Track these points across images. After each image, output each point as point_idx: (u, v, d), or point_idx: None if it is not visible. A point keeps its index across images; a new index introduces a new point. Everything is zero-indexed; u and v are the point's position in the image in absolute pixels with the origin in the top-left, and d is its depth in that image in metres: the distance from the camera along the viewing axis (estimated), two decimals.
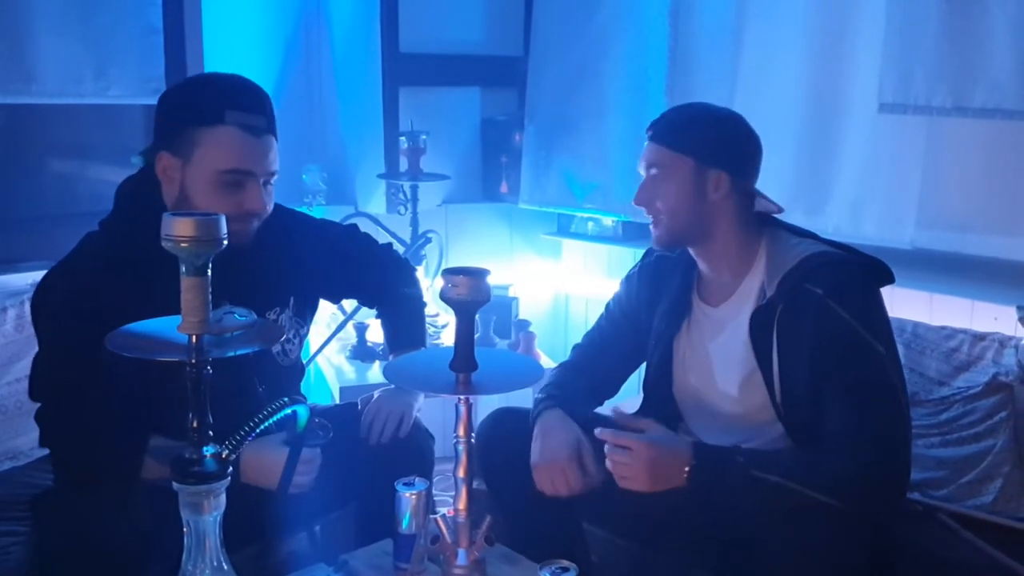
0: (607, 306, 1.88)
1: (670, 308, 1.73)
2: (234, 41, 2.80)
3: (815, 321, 1.49)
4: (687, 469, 1.46)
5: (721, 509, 1.52)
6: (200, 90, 1.57)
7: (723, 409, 1.66)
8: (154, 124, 1.56)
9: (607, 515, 1.75)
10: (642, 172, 1.66)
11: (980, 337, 2.02)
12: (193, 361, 0.97)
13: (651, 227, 1.66)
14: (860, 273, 1.54)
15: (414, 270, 2.03)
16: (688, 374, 1.71)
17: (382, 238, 2.36)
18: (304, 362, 1.88)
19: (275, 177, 1.58)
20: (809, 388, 1.51)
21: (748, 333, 1.57)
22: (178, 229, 0.94)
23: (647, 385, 1.80)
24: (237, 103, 1.50)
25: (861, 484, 1.44)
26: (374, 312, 1.99)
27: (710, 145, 1.60)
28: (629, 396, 2.66)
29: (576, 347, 1.90)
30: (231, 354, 0.99)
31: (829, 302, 1.48)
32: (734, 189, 1.60)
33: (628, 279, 1.85)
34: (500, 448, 1.69)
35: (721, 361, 1.64)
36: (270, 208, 1.59)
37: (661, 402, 1.76)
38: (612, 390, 1.88)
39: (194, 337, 0.98)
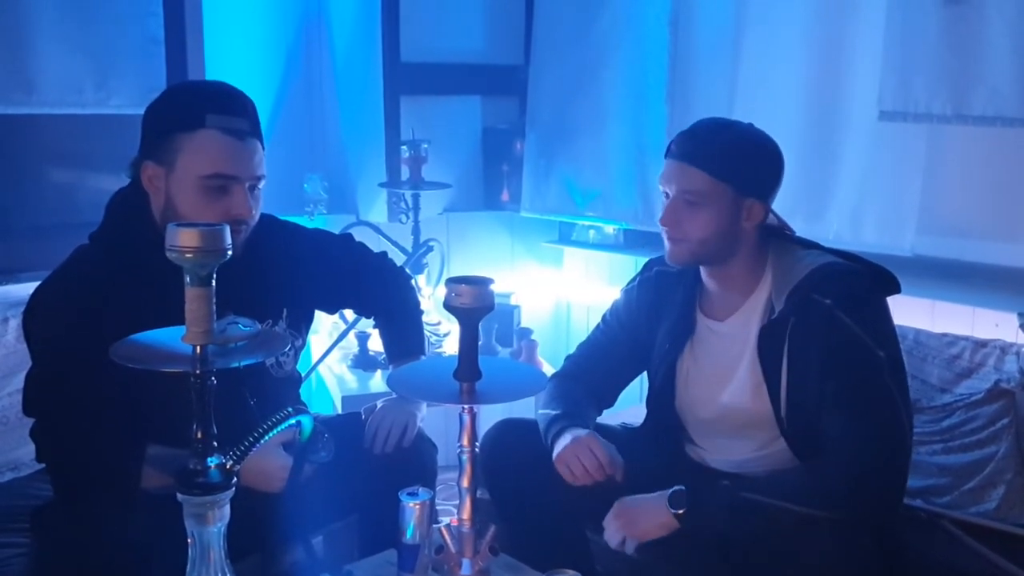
0: (604, 317, 1.87)
1: (674, 327, 1.71)
2: (235, 50, 2.81)
3: (824, 331, 1.49)
4: (677, 513, 1.49)
5: (722, 537, 1.52)
6: (180, 97, 1.55)
7: (728, 423, 1.66)
8: (140, 137, 1.54)
9: None
10: (668, 190, 1.60)
11: (981, 344, 2.02)
12: (198, 372, 0.97)
13: (668, 243, 1.61)
14: (867, 282, 1.54)
15: (410, 278, 2.03)
16: (692, 389, 1.70)
17: (384, 247, 2.37)
18: (301, 373, 1.88)
19: (262, 182, 1.55)
20: (816, 400, 1.52)
21: (756, 347, 1.57)
22: (183, 239, 0.94)
23: (650, 401, 1.80)
24: (217, 106, 1.48)
25: (852, 492, 1.45)
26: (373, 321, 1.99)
27: (751, 175, 1.57)
28: (631, 405, 2.67)
29: (569, 357, 1.90)
30: (235, 365, 0.99)
31: (836, 312, 1.49)
32: (762, 216, 1.59)
33: (627, 291, 1.83)
34: (504, 458, 1.69)
35: (728, 375, 1.64)
36: (257, 215, 1.56)
37: (664, 418, 1.76)
38: (609, 400, 1.88)
39: (198, 348, 0.97)
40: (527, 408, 2.71)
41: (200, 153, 1.47)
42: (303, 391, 2.01)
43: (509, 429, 1.76)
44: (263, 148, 1.55)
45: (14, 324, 2.07)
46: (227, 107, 1.49)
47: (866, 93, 2.24)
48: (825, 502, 1.45)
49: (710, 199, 1.55)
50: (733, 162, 1.55)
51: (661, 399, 1.74)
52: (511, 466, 1.68)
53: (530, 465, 1.65)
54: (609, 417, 2.45)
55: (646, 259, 1.87)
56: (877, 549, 1.48)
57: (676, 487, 1.52)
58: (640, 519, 1.54)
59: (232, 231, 1.47)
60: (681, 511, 1.50)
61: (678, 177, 1.57)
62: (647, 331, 1.77)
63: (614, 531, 1.55)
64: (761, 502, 1.47)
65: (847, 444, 1.47)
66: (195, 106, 1.48)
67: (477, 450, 1.23)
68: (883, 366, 1.48)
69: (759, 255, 1.62)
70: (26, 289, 1.56)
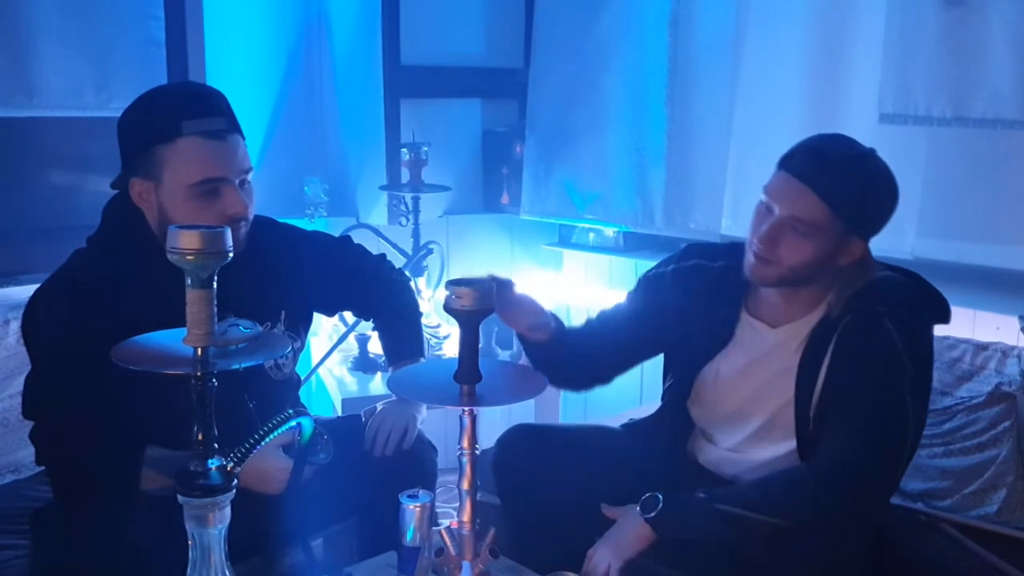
0: (628, 294, 1.77)
1: (713, 329, 1.64)
2: (236, 53, 2.81)
3: (869, 336, 1.48)
4: (648, 518, 1.49)
5: (698, 546, 1.52)
6: (152, 107, 1.50)
7: (751, 422, 1.64)
8: (119, 150, 1.52)
9: None
10: (776, 207, 1.48)
11: (982, 347, 2.01)
12: (198, 374, 0.97)
13: (755, 260, 1.52)
14: (922, 305, 1.53)
15: (408, 280, 2.02)
16: (720, 387, 1.66)
17: (384, 249, 2.37)
18: (301, 376, 1.87)
19: (251, 174, 1.54)
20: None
21: (803, 348, 1.55)
22: (184, 242, 0.94)
23: (670, 397, 1.74)
24: (191, 111, 1.46)
25: (834, 501, 1.45)
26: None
27: (870, 218, 1.49)
28: (631, 407, 2.65)
29: (588, 320, 1.81)
30: (236, 367, 0.99)
31: (886, 320, 1.47)
32: (860, 255, 1.51)
33: (659, 277, 1.72)
34: (518, 465, 1.67)
35: (763, 376, 1.61)
36: (253, 207, 1.55)
37: (680, 415, 1.73)
38: (606, 375, 1.80)
39: (199, 350, 0.97)
40: (527, 410, 2.72)
41: (184, 162, 1.45)
42: (303, 393, 2.01)
43: (524, 433, 1.74)
44: (244, 139, 1.54)
45: (15, 326, 2.07)
46: (201, 109, 1.47)
47: (866, 96, 2.24)
48: (801, 513, 1.45)
49: (820, 232, 1.45)
50: (859, 202, 1.46)
51: (682, 396, 1.70)
52: (524, 470, 1.66)
53: (544, 470, 1.63)
54: (613, 419, 2.45)
55: (646, 263, 1.82)
56: (862, 553, 1.48)
57: (648, 493, 1.52)
58: (618, 537, 1.52)
59: (233, 229, 1.48)
60: (652, 514, 1.49)
61: (794, 200, 1.45)
62: (673, 322, 1.68)
63: (598, 561, 1.52)
64: (735, 514, 1.46)
65: (845, 445, 1.47)
66: (169, 115, 1.45)
67: (478, 452, 1.23)
68: (906, 377, 1.46)
69: (834, 276, 1.55)
70: (27, 291, 1.57)
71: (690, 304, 1.67)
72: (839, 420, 1.49)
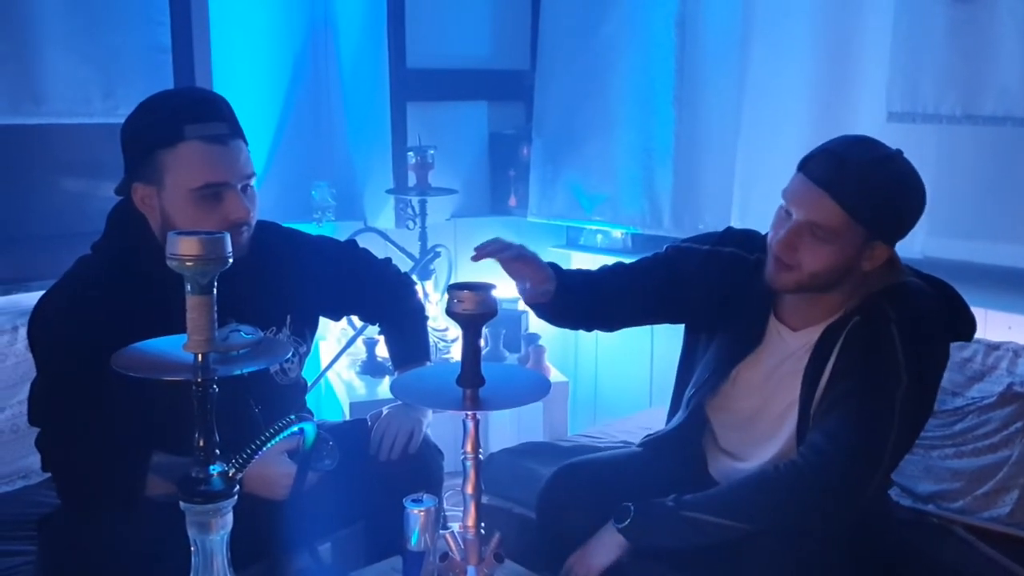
0: (654, 256, 1.71)
1: (743, 333, 1.62)
2: (242, 59, 2.82)
3: (874, 339, 1.46)
4: (620, 527, 1.51)
5: (670, 553, 1.54)
6: (154, 112, 1.51)
7: (764, 423, 1.63)
8: (122, 156, 1.53)
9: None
10: (794, 212, 1.46)
11: (994, 347, 2.00)
12: (199, 380, 0.97)
13: (775, 266, 1.50)
14: (938, 320, 1.50)
15: (413, 284, 2.02)
16: (739, 389, 1.65)
17: (391, 253, 2.36)
18: (307, 380, 1.87)
19: (253, 179, 1.54)
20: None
21: (812, 348, 1.54)
22: (183, 248, 0.94)
23: (696, 400, 1.70)
24: (193, 116, 1.47)
25: (799, 508, 1.46)
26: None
27: (892, 222, 1.46)
28: (639, 410, 2.65)
29: (604, 270, 1.75)
30: (237, 372, 0.98)
31: (893, 327, 1.45)
32: (884, 259, 1.49)
33: (691, 253, 1.67)
34: (564, 503, 1.67)
35: (775, 379, 1.60)
36: (255, 212, 1.55)
37: (699, 420, 1.72)
38: (609, 326, 1.78)
39: (200, 356, 0.97)
40: (535, 414, 2.71)
41: (186, 167, 1.46)
42: (311, 398, 2.01)
43: (570, 474, 1.72)
44: (246, 144, 1.54)
45: (23, 333, 2.09)
46: (203, 114, 1.48)
47: (874, 94, 2.23)
48: (766, 517, 1.46)
49: (839, 237, 1.43)
50: (879, 207, 1.43)
51: (702, 398, 1.68)
52: (568, 507, 1.66)
53: (586, 504, 1.63)
54: (621, 422, 2.44)
55: (722, 231, 1.73)
56: (886, 554, 1.47)
57: (623, 504, 1.53)
58: (595, 546, 1.55)
59: (235, 234, 1.49)
60: (623, 524, 1.51)
61: (811, 206, 1.43)
62: (698, 303, 1.64)
63: (578, 569, 1.54)
64: (702, 519, 1.47)
65: (821, 448, 1.46)
66: (171, 120, 1.46)
67: (482, 457, 1.23)
68: (899, 389, 1.43)
69: (859, 281, 1.52)
70: (35, 298, 1.57)
71: (720, 294, 1.62)
72: (823, 421, 1.48)
